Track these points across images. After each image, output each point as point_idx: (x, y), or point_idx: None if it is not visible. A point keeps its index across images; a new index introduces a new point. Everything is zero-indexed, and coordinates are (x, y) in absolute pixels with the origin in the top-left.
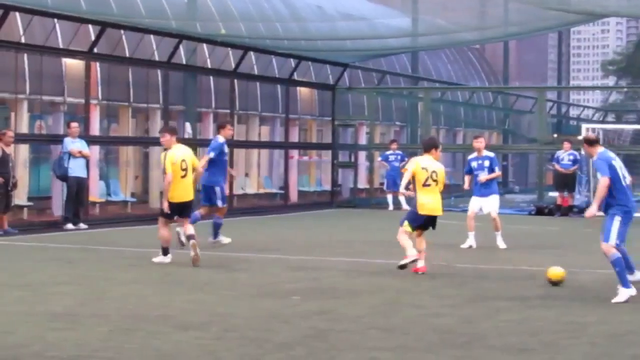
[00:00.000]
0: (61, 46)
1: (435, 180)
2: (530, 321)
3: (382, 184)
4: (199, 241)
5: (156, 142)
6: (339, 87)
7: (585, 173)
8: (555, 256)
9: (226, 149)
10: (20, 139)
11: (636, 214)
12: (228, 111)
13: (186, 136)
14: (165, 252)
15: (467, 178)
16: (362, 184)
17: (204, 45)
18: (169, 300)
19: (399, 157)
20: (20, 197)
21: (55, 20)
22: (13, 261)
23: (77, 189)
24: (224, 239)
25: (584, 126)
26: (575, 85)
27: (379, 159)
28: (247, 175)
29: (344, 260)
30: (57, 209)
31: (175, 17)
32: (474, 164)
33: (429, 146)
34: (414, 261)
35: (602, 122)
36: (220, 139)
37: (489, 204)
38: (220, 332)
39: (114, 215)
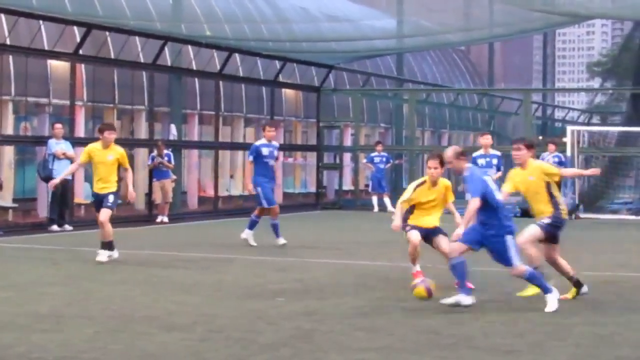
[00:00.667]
0: (46, 48)
1: None
2: (516, 322)
3: (367, 185)
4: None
5: (142, 143)
6: (324, 88)
7: None
8: None
9: (266, 151)
10: (5, 140)
11: (622, 216)
12: (213, 113)
13: (171, 138)
14: (110, 247)
15: None
16: (347, 185)
17: (189, 47)
18: (154, 301)
19: (384, 159)
20: (5, 198)
21: (41, 21)
22: None
23: (62, 191)
24: (280, 240)
25: (569, 128)
26: (561, 87)
27: (364, 160)
28: (232, 176)
29: (330, 261)
30: (43, 210)
31: (160, 18)
32: (482, 161)
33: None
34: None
35: (588, 124)
36: (259, 141)
37: None
38: (205, 333)
39: None
